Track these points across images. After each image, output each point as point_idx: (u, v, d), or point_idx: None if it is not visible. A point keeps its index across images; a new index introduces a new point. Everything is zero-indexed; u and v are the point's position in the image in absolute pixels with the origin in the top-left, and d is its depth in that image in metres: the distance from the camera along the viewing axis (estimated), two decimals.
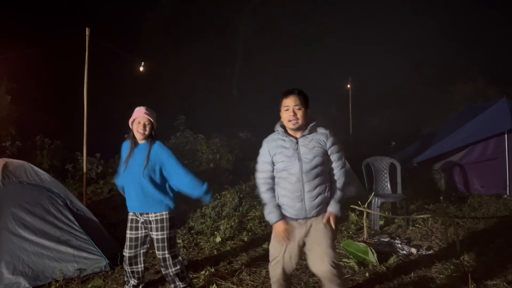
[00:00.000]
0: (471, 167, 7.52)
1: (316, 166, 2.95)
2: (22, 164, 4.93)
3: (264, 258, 4.70)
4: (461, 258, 4.50)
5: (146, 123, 3.46)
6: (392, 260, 4.48)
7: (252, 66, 18.92)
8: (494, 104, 7.90)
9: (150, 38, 17.42)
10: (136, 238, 3.57)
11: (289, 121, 2.97)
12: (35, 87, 11.76)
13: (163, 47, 17.36)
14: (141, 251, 3.60)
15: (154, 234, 3.47)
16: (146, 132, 3.45)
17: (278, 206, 3.03)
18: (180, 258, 3.59)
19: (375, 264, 4.40)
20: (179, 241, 5.19)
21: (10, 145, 8.62)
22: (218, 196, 6.95)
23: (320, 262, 2.99)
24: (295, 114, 2.95)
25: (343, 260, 4.51)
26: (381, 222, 5.80)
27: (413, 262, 4.55)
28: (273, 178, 3.07)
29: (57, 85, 12.23)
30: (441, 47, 18.72)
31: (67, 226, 4.46)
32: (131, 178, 3.46)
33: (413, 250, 4.82)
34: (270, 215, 3.02)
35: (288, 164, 2.97)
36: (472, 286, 3.80)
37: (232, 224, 5.68)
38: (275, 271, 3.12)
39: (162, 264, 3.51)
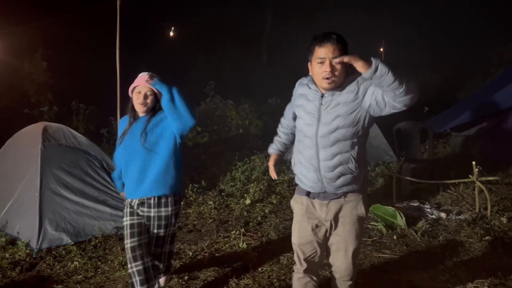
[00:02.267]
0: (507, 133, 7.27)
1: (336, 129, 2.24)
2: (60, 128, 5.12)
3: (292, 220, 4.82)
4: (492, 223, 4.47)
5: (148, 93, 2.80)
6: (420, 224, 4.49)
7: (281, 31, 18.57)
8: None
9: (179, 2, 17.34)
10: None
11: (324, 78, 2.18)
12: (70, 54, 12.01)
13: (192, 12, 17.27)
14: None
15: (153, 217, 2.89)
16: (148, 105, 2.82)
17: (281, 142, 2.88)
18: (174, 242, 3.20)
19: (403, 227, 4.42)
20: (210, 202, 5.37)
21: (48, 110, 8.94)
22: (248, 161, 7.05)
23: (342, 263, 2.52)
24: (333, 69, 2.15)
25: (371, 223, 4.56)
26: (411, 187, 5.77)
27: (442, 226, 4.55)
28: (291, 127, 2.72)
29: (91, 51, 12.46)
30: (480, 7, 17.74)
31: (104, 187, 4.69)
32: (129, 156, 2.85)
33: (443, 215, 4.81)
34: (270, 147, 2.96)
35: (305, 123, 2.34)
36: (501, 250, 3.80)
37: (261, 187, 5.79)
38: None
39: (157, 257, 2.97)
